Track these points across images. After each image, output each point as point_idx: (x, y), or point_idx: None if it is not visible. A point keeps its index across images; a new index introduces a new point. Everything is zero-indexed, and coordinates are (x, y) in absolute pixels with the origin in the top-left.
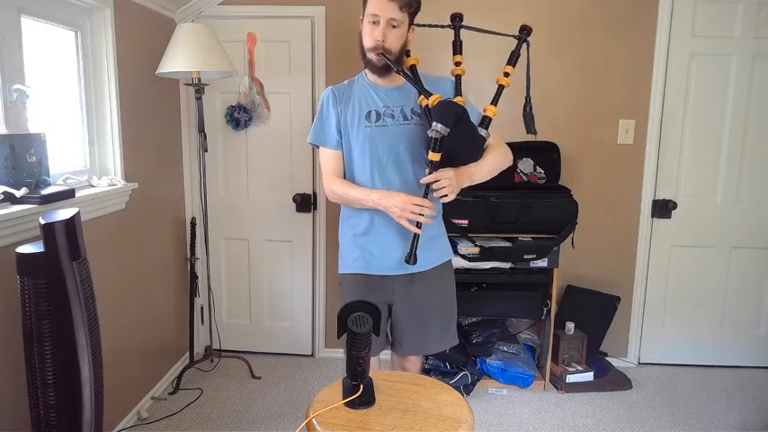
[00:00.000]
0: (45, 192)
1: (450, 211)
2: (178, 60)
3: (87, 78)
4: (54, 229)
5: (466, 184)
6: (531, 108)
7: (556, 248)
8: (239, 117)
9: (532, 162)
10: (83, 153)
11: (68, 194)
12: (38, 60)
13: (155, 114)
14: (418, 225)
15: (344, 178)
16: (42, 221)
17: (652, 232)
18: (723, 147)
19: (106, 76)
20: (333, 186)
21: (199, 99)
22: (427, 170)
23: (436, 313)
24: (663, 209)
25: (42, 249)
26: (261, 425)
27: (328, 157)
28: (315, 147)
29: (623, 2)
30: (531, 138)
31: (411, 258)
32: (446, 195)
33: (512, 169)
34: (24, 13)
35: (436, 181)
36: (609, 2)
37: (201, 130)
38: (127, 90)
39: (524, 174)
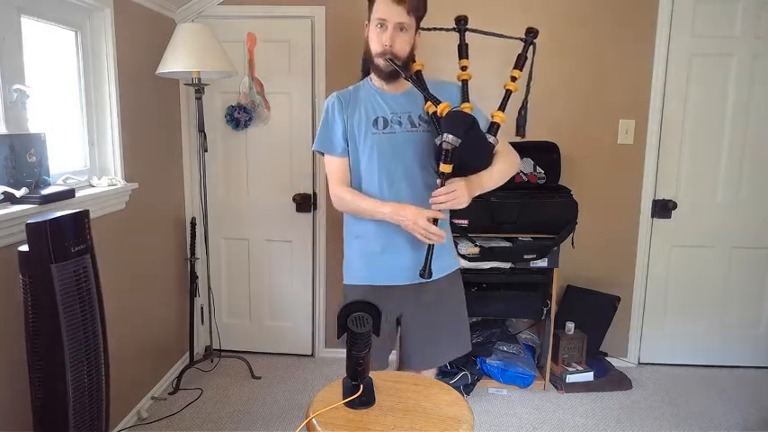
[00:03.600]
0: (45, 192)
1: (450, 210)
2: (178, 60)
3: (87, 78)
4: (35, 229)
5: (477, 193)
6: (526, 111)
7: (556, 248)
8: (239, 117)
9: (532, 162)
10: (83, 153)
11: (68, 194)
12: (38, 60)
13: (155, 114)
14: None
15: (351, 186)
16: (30, 221)
17: (652, 232)
18: (723, 147)
19: (106, 76)
20: (343, 195)
21: (199, 99)
22: (438, 181)
23: (447, 325)
24: (663, 209)
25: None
26: (261, 425)
27: (335, 165)
28: (320, 154)
29: (623, 2)
30: (531, 137)
31: (426, 272)
32: (457, 206)
33: None
34: (24, 13)
35: (447, 193)
36: (609, 2)
37: (201, 130)
38: (127, 90)
39: (524, 174)
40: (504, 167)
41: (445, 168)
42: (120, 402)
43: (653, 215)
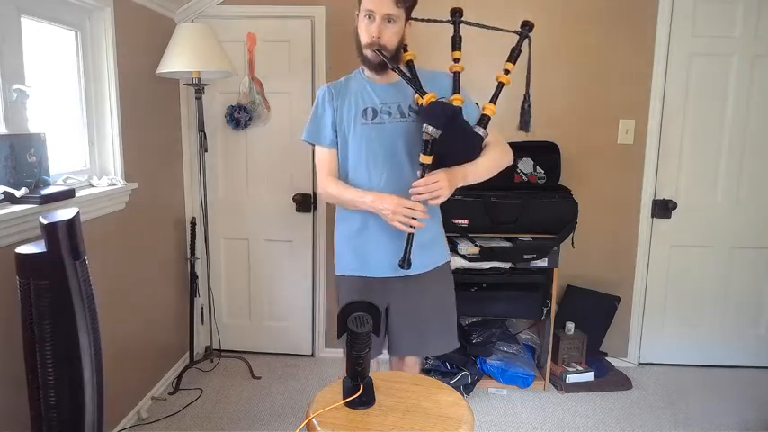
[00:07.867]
0: (45, 192)
1: (450, 211)
2: (178, 60)
3: (87, 78)
4: (56, 228)
5: (459, 185)
6: (529, 106)
7: (556, 248)
8: (239, 117)
9: (532, 162)
10: (83, 153)
11: (68, 194)
12: (38, 60)
13: (155, 114)
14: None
15: (339, 177)
16: (44, 221)
17: (652, 232)
18: (723, 147)
19: (106, 76)
20: (327, 187)
21: (199, 99)
22: (419, 172)
23: (433, 316)
24: (663, 209)
25: (44, 249)
26: (261, 425)
27: (323, 156)
28: (310, 144)
29: (623, 2)
30: (531, 137)
31: (405, 263)
32: (438, 198)
33: (512, 169)
34: (24, 13)
35: (428, 184)
36: (609, 2)
37: (201, 130)
38: (127, 90)
39: (524, 174)
40: (491, 159)
41: (425, 159)
42: (120, 402)
43: (653, 215)
